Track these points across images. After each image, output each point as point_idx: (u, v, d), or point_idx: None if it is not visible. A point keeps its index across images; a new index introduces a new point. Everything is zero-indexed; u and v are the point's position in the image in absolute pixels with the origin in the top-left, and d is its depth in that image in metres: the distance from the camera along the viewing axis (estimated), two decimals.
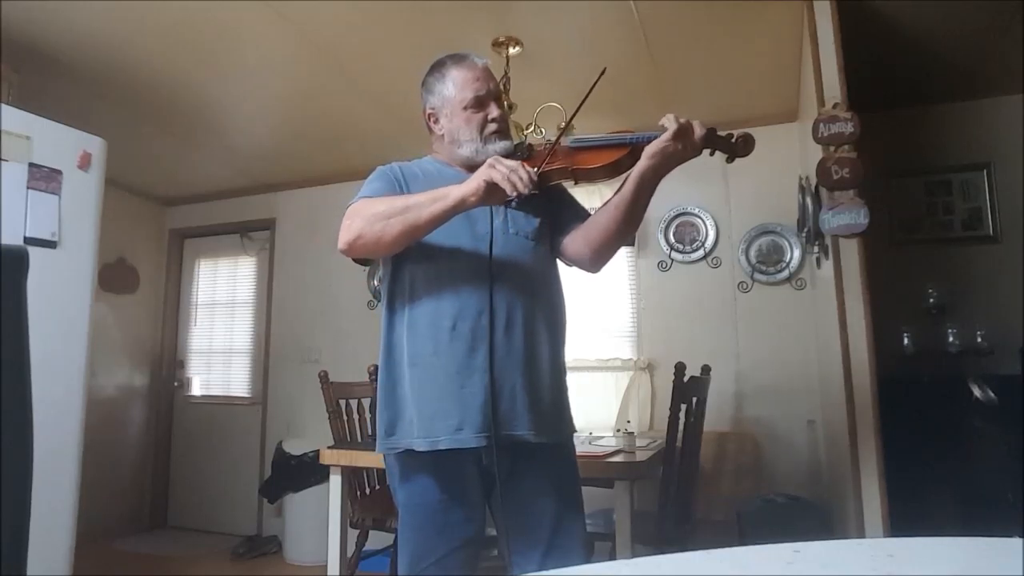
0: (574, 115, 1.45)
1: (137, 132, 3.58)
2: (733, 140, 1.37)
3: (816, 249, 2.75)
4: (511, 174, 1.26)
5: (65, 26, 2.59)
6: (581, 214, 1.57)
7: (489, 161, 1.30)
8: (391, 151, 2.79)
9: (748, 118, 3.37)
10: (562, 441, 1.50)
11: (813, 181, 2.37)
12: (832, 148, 2.19)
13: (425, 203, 1.32)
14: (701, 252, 3.56)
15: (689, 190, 3.57)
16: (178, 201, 4.88)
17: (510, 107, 2.74)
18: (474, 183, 1.29)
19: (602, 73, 1.39)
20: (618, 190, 1.43)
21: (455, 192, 1.30)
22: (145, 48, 2.77)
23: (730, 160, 1.40)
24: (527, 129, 2.75)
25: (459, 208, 1.31)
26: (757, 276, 3.44)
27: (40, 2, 2.42)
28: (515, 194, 1.27)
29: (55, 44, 2.72)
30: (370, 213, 1.36)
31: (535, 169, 1.33)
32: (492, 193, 1.29)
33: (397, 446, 1.41)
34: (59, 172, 2.41)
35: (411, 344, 1.41)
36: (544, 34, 2.68)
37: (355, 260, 1.52)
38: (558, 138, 1.42)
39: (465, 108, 1.49)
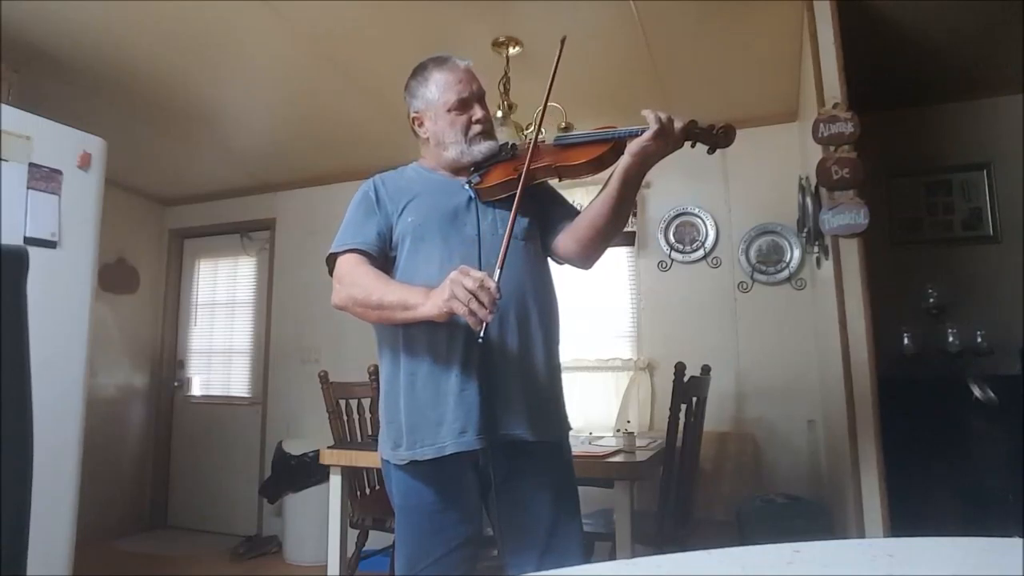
0: (548, 96, 1.46)
1: (137, 132, 3.58)
2: (714, 132, 1.37)
3: (816, 249, 2.75)
4: (472, 302, 1.18)
5: (65, 26, 2.59)
6: (570, 212, 1.58)
7: (452, 279, 1.22)
8: (391, 151, 2.80)
9: (748, 118, 3.37)
10: (558, 441, 1.50)
11: (813, 181, 2.37)
12: (832, 148, 2.19)
13: (396, 307, 1.33)
14: (701, 252, 3.56)
15: (689, 190, 3.57)
16: (178, 201, 4.88)
17: (510, 107, 2.74)
18: (436, 308, 1.24)
19: (562, 42, 1.41)
20: (603, 187, 1.44)
21: (422, 310, 1.27)
22: (145, 48, 2.77)
23: (711, 151, 1.40)
24: (527, 129, 2.75)
25: (425, 320, 1.29)
26: (757, 276, 3.44)
27: (40, 2, 2.42)
28: (481, 327, 1.21)
29: (55, 44, 2.72)
30: (349, 295, 1.41)
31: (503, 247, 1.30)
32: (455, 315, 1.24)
33: (405, 458, 1.40)
34: (59, 172, 2.41)
35: (411, 353, 1.41)
36: (544, 34, 2.68)
37: None
38: (536, 136, 1.44)
39: (449, 110, 1.50)
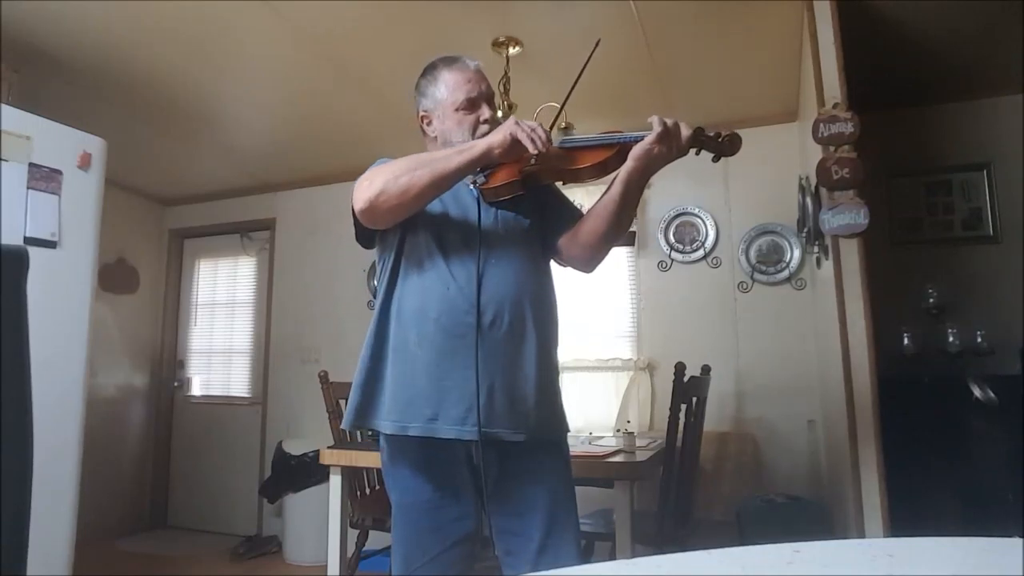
0: (568, 98, 1.47)
1: (137, 132, 3.58)
2: (719, 139, 1.38)
3: (816, 249, 2.75)
4: (532, 133, 1.30)
5: (65, 26, 2.59)
6: (574, 214, 1.58)
7: (512, 118, 1.34)
8: (391, 151, 2.78)
9: (748, 118, 3.38)
10: (553, 440, 1.50)
11: (813, 181, 2.37)
12: (832, 148, 2.19)
13: (452, 155, 1.35)
14: (701, 252, 3.56)
15: (689, 190, 3.57)
16: (178, 201, 4.88)
17: (510, 107, 2.74)
18: (500, 135, 1.32)
19: (596, 44, 1.48)
20: (606, 191, 1.44)
21: (481, 143, 1.34)
22: (145, 48, 2.77)
23: (716, 159, 1.41)
24: None
25: (485, 158, 1.35)
26: (757, 276, 3.44)
27: (40, 2, 2.42)
28: (535, 153, 1.31)
29: (55, 44, 2.72)
30: (395, 168, 1.37)
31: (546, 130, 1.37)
32: (515, 148, 1.33)
33: (363, 424, 1.43)
34: (59, 172, 2.41)
35: (397, 332, 1.43)
36: (544, 34, 2.68)
37: (359, 239, 1.53)
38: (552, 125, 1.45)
39: (457, 110, 1.51)
